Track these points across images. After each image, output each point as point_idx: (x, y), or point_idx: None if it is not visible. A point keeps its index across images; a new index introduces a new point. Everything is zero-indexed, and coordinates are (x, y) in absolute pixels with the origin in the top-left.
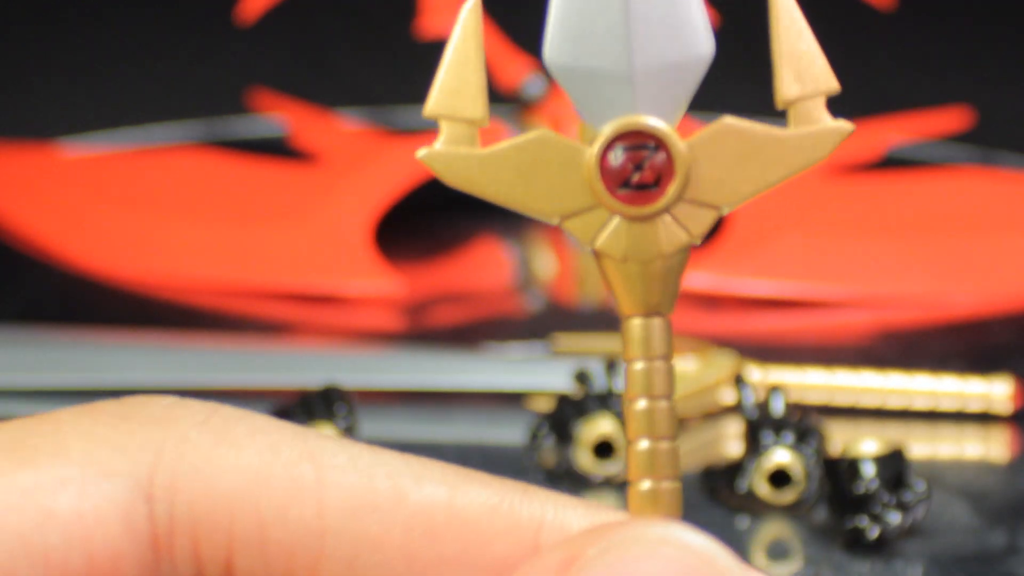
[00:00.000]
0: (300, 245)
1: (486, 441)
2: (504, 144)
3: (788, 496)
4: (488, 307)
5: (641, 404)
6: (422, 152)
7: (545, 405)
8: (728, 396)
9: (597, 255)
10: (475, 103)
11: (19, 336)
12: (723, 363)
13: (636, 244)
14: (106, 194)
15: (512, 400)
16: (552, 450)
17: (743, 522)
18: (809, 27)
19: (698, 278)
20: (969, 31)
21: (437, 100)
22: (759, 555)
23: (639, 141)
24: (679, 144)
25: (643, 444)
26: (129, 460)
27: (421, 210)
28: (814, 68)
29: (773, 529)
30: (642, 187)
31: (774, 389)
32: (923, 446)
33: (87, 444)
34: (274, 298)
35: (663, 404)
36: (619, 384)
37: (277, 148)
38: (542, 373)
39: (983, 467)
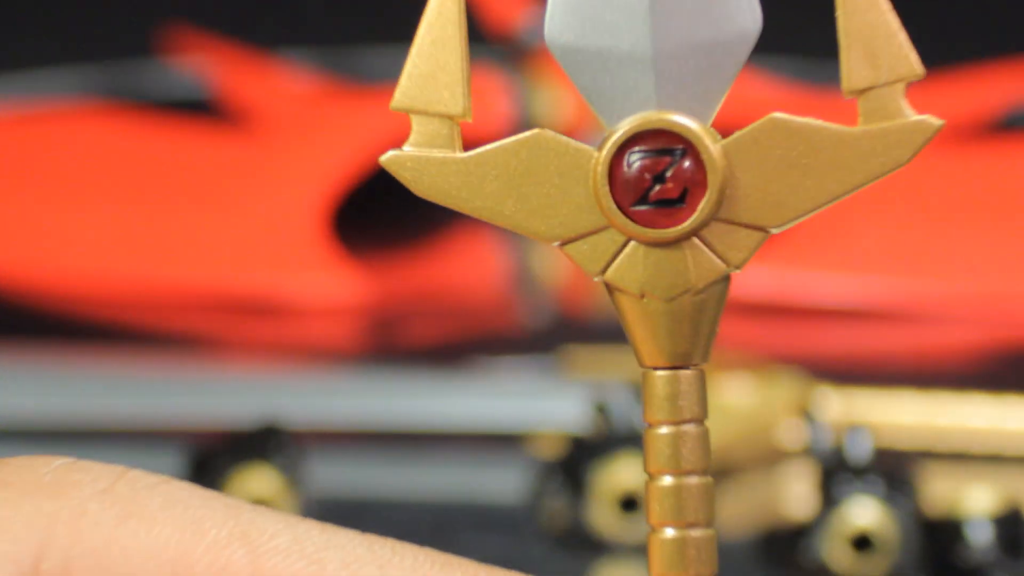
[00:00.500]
0: (231, 235)
1: (475, 497)
2: (491, 146)
3: (874, 566)
4: (476, 317)
5: (666, 481)
6: (387, 156)
7: (553, 448)
8: (795, 434)
9: (609, 289)
10: (454, 94)
11: None
12: (788, 390)
13: (657, 276)
14: None
15: (509, 442)
16: (562, 508)
17: None
18: None
19: (757, 276)
20: None
21: (406, 89)
22: None
23: (661, 144)
24: (712, 148)
25: (669, 533)
26: (10, 539)
27: (391, 189)
28: (891, 46)
29: None
30: (664, 203)
31: (855, 426)
32: None
33: None
34: (196, 307)
35: (695, 481)
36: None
37: (200, 106)
38: (548, 404)
39: None
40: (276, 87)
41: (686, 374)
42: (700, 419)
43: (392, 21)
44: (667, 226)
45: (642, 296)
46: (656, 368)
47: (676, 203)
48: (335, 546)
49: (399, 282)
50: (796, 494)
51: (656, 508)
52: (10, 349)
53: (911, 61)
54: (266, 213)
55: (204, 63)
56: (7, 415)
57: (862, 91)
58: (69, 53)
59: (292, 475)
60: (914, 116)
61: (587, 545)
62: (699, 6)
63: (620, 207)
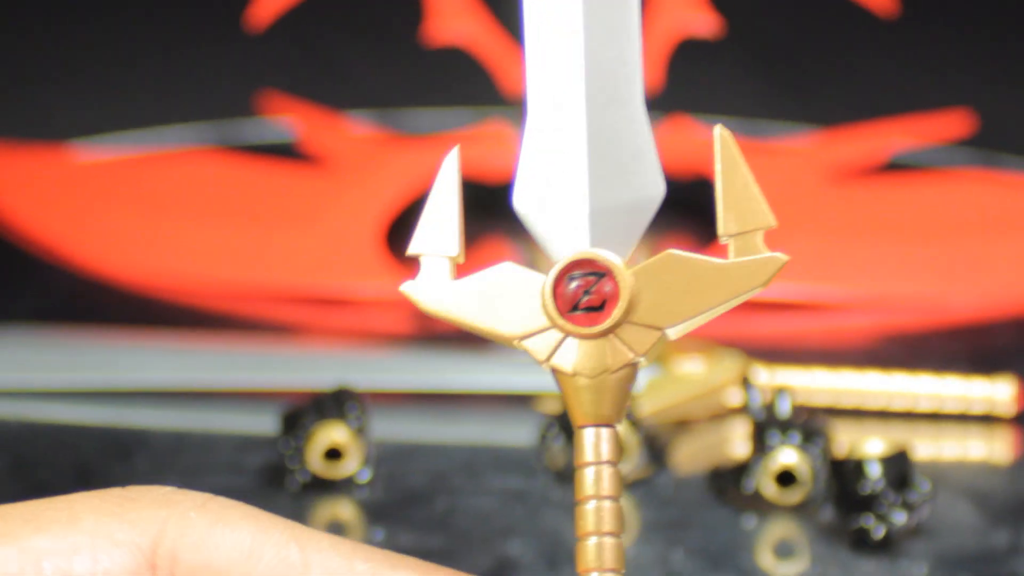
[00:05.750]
0: (311, 247)
1: (495, 442)
2: (473, 276)
3: (794, 496)
4: None
5: (590, 505)
6: (405, 286)
7: (554, 407)
8: (735, 397)
9: (552, 371)
10: (452, 242)
11: (31, 337)
12: (730, 365)
13: (585, 360)
14: (117, 196)
15: (521, 401)
16: (561, 451)
17: (750, 522)
18: (749, 167)
19: None
20: (971, 34)
21: (419, 240)
22: (766, 554)
23: (590, 269)
24: (624, 272)
25: (592, 540)
26: (136, 532)
27: None
28: (754, 205)
29: (780, 529)
30: (590, 309)
31: (780, 390)
32: (927, 447)
33: (98, 518)
34: (285, 300)
35: (609, 504)
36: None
37: (287, 151)
38: (548, 375)
39: (987, 468)
40: (343, 138)
41: (606, 431)
42: (615, 463)
43: (430, 89)
44: (591, 325)
45: (574, 375)
46: (585, 426)
47: (599, 310)
48: (360, 550)
49: None
50: (737, 441)
51: (582, 523)
52: (144, 333)
53: (767, 215)
54: (336, 231)
55: (290, 120)
56: (148, 381)
57: (733, 235)
58: (187, 113)
59: (360, 426)
60: (768, 253)
61: None
62: (622, 179)
63: (560, 312)
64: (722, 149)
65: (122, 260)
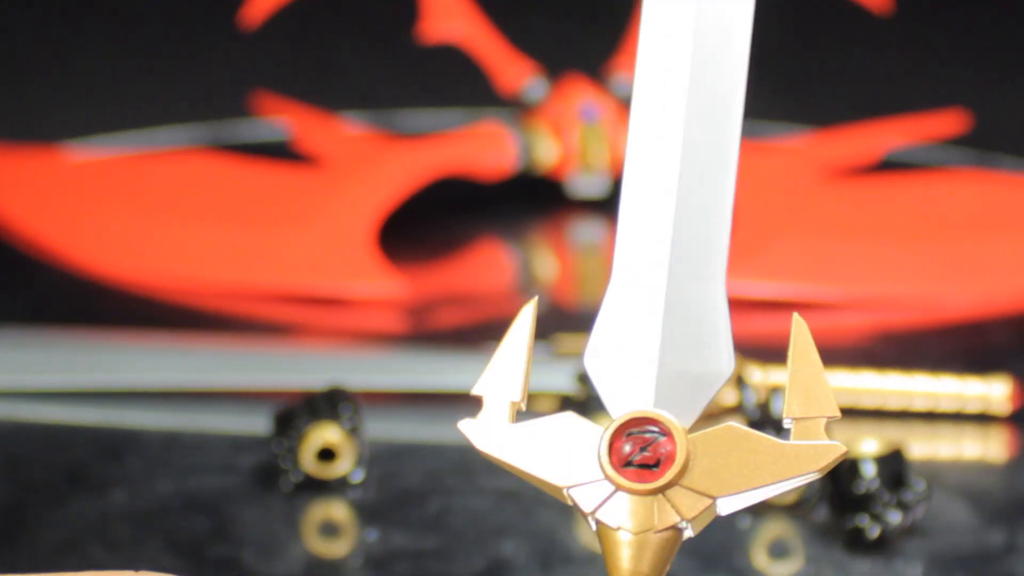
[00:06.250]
0: (304, 248)
1: None
2: (533, 422)
3: (789, 496)
4: (490, 309)
5: None
6: (464, 424)
7: (548, 406)
8: (730, 397)
9: (596, 523)
10: (517, 388)
11: (25, 338)
12: None
13: (631, 517)
14: (111, 197)
15: None
16: None
17: (744, 521)
18: (819, 356)
19: None
20: (966, 33)
21: (486, 381)
22: (760, 554)
23: (650, 428)
24: (682, 435)
25: None
26: None
27: (424, 213)
28: (820, 393)
29: (774, 528)
30: (644, 466)
31: (775, 390)
32: (922, 446)
33: None
34: (279, 300)
35: None
36: None
37: (280, 151)
38: (544, 374)
39: (982, 467)
40: (336, 138)
41: None
42: None
43: (424, 89)
44: (643, 482)
45: (618, 529)
46: None
47: (652, 468)
48: None
49: (430, 282)
50: None
51: None
52: (137, 333)
53: (832, 405)
54: (330, 231)
55: (283, 120)
56: (143, 381)
57: (797, 419)
58: (181, 114)
59: (353, 426)
60: (827, 442)
61: None
62: (693, 349)
63: (613, 466)
64: (797, 336)
65: (115, 260)
